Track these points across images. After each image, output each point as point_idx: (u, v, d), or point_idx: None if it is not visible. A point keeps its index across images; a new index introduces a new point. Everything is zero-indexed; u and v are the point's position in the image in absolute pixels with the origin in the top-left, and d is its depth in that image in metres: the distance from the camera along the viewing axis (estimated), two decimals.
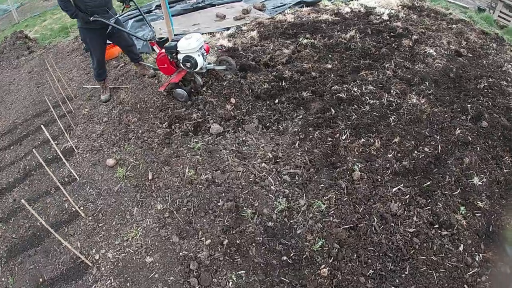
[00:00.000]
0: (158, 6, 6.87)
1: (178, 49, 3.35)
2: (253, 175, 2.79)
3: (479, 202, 2.81)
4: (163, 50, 3.45)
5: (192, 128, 3.33)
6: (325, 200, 2.55)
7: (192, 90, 3.68)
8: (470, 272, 2.40)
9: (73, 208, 2.69)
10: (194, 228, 2.45)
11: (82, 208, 2.74)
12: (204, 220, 2.50)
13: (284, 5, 6.71)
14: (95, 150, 3.39)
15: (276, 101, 3.64)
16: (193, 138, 3.23)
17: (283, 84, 3.89)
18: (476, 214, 2.73)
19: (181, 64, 3.46)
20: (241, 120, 3.39)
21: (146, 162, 3.08)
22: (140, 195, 2.77)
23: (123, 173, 3.01)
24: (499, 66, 4.86)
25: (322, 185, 2.68)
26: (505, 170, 3.15)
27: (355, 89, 3.73)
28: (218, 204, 2.59)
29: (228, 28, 5.71)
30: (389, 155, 2.97)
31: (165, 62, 3.52)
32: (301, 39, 5.07)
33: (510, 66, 4.97)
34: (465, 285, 2.36)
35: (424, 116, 3.44)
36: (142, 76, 4.34)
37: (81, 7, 3.24)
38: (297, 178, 2.73)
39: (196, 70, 3.47)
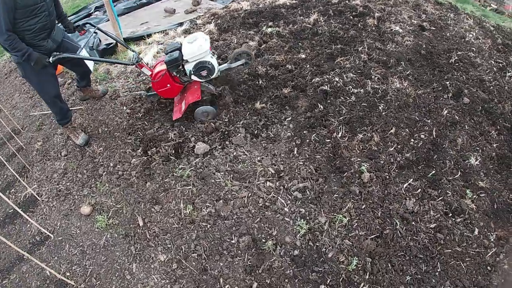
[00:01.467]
0: (98, 8, 6.45)
1: (185, 59, 2.99)
2: (261, 198, 2.82)
3: (480, 182, 3.21)
4: (161, 68, 3.04)
5: (173, 151, 3.22)
6: (344, 213, 2.70)
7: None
8: (489, 254, 2.76)
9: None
10: (212, 276, 2.40)
11: (68, 274, 2.51)
12: (221, 264, 2.47)
13: None
14: (62, 195, 3.09)
15: (258, 103, 3.69)
16: (177, 164, 3.13)
17: (260, 82, 3.94)
18: (481, 195, 3.12)
19: (193, 76, 3.10)
20: (226, 132, 3.38)
21: (129, 204, 2.91)
22: (135, 247, 2.62)
23: (104, 221, 2.80)
24: (462, 37, 5.50)
25: (336, 195, 2.82)
26: (494, 145, 3.63)
27: (337, 79, 3.93)
28: (232, 241, 2.57)
29: (181, 24, 5.59)
30: (391, 149, 3.23)
31: (168, 81, 3.09)
32: (264, 28, 5.15)
33: (471, 35, 5.66)
34: (488, 267, 2.72)
35: (411, 100, 3.78)
36: (90, 98, 4.04)
37: (21, 35, 2.71)
38: (308, 192, 2.84)
39: (214, 76, 3.18)
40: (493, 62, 5.01)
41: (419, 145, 3.29)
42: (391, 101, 3.67)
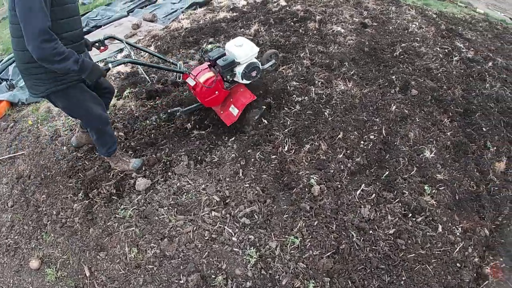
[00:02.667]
0: None
1: (238, 61, 2.98)
2: (206, 231, 2.66)
3: (438, 175, 3.18)
4: (209, 75, 2.99)
5: (114, 190, 3.05)
6: (296, 233, 2.58)
7: None
8: (457, 250, 2.70)
9: None
10: None
11: None
12: None
13: (176, 10, 6.81)
14: (12, 249, 2.89)
15: (201, 126, 3.58)
16: (119, 204, 2.95)
17: (198, 111, 3.84)
18: (440, 188, 3.09)
19: (242, 79, 3.09)
20: (168, 162, 3.24)
21: (75, 253, 2.72)
22: None
23: (54, 274, 2.61)
24: (405, 28, 5.63)
25: (286, 215, 2.71)
26: (448, 133, 3.65)
27: (280, 89, 3.89)
28: (180, 282, 2.40)
29: (121, 50, 5.49)
30: (340, 156, 3.16)
31: (217, 88, 3.04)
32: (204, 45, 5.10)
33: (414, 26, 5.81)
34: (457, 264, 2.65)
35: (357, 101, 3.77)
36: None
37: None
38: (256, 216, 2.71)
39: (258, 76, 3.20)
40: (438, 49, 5.13)
41: (369, 147, 3.25)
42: (337, 105, 3.64)
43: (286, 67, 4.32)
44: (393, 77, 4.19)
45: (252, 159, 3.18)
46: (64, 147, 3.63)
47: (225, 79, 3.11)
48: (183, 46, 5.24)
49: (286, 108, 3.66)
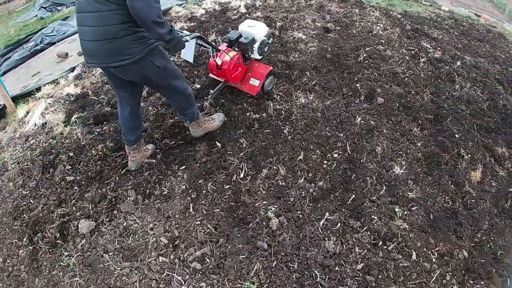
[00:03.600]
0: None
1: (256, 39, 3.31)
2: (154, 280, 2.30)
3: (409, 193, 2.91)
4: (232, 54, 3.23)
5: (58, 234, 2.66)
6: (252, 277, 2.24)
7: None
8: (433, 278, 2.42)
9: None
10: None
11: None
12: None
13: None
14: None
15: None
16: (64, 249, 2.57)
17: (148, 134, 3.47)
18: (412, 209, 2.82)
19: (257, 54, 3.42)
20: (114, 198, 2.86)
21: None
22: None
23: None
24: (369, 31, 5.41)
25: (241, 256, 2.36)
26: (419, 144, 3.39)
27: (235, 107, 3.56)
28: None
29: (73, 68, 5.08)
30: (300, 180, 2.85)
31: (240, 64, 3.35)
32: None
33: (379, 28, 5.61)
34: None
35: (319, 115, 3.48)
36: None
37: None
38: (208, 260, 2.36)
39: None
40: (404, 51, 4.93)
41: (333, 167, 2.95)
42: (297, 120, 3.34)
43: None
44: (358, 85, 3.93)
45: (204, 191, 2.83)
46: (11, 183, 3.23)
47: (246, 55, 3.40)
48: None
49: (243, 129, 3.32)
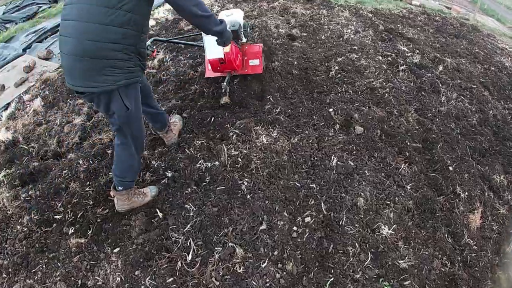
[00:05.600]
0: None
1: (240, 24, 3.04)
2: None
3: (400, 261, 2.16)
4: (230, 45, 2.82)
5: None
6: None
7: None
8: None
9: None
10: None
11: None
12: None
13: None
14: None
15: (73, 238, 2.33)
16: None
17: (69, 190, 2.57)
18: (405, 283, 2.06)
19: (244, 38, 3.16)
20: None
21: None
22: None
23: None
24: (340, 36, 4.59)
25: None
26: (408, 186, 2.63)
27: (181, 155, 2.70)
28: None
29: (7, 105, 4.06)
30: (263, 264, 2.03)
31: (238, 51, 3.16)
32: None
33: (350, 30, 4.79)
34: None
35: (285, 158, 2.65)
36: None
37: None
38: None
39: None
40: (380, 58, 4.14)
41: (305, 238, 2.17)
42: (258, 170, 2.50)
43: (188, 115, 3.12)
44: (331, 110, 3.12)
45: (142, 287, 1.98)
46: None
47: (238, 42, 3.15)
48: (71, 94, 3.88)
49: (191, 186, 2.47)
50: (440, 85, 3.98)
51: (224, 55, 2.87)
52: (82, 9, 1.68)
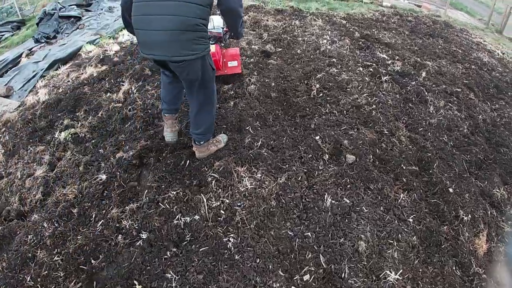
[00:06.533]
0: None
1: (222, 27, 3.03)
2: None
3: None
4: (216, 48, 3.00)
5: None
6: None
7: None
8: None
9: None
10: None
11: None
12: None
13: (37, 74, 4.84)
14: None
15: None
16: None
17: (48, 272, 2.15)
18: None
19: (225, 40, 3.15)
20: None
21: None
22: None
23: None
24: (316, 48, 4.31)
25: None
26: (410, 220, 2.35)
27: (154, 211, 2.33)
28: None
29: None
30: None
31: (221, 53, 3.22)
32: (57, 133, 3.35)
33: (326, 41, 4.52)
34: None
35: (273, 203, 2.31)
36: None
37: None
38: None
39: None
40: (361, 69, 3.88)
41: None
42: (244, 222, 2.17)
43: (154, 159, 2.75)
44: (317, 137, 2.81)
45: None
46: None
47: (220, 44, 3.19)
48: (33, 138, 3.43)
49: (170, 248, 2.10)
50: (426, 93, 3.76)
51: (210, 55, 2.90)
52: None
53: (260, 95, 3.28)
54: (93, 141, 3.16)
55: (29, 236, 2.38)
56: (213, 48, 2.92)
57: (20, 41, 6.32)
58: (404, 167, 2.72)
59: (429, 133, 3.18)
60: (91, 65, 4.48)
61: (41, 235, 2.35)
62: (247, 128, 2.89)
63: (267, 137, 2.82)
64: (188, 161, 2.64)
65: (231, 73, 3.39)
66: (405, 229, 2.29)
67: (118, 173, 2.66)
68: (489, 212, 2.70)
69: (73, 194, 2.65)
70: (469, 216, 2.55)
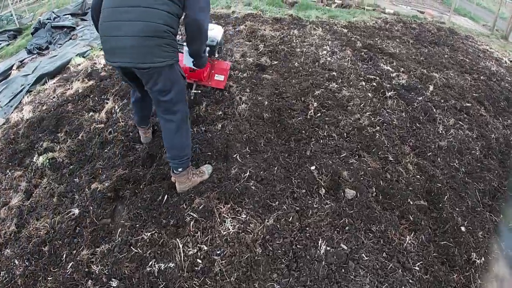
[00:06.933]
0: None
1: (218, 40, 2.98)
2: None
3: None
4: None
5: None
6: None
7: None
8: None
9: None
10: None
11: None
12: None
13: (24, 88, 4.48)
14: None
15: None
16: None
17: None
18: None
19: (216, 53, 3.05)
20: None
21: None
22: None
23: None
24: (315, 60, 3.94)
25: None
26: (416, 267, 1.98)
27: (125, 256, 1.98)
28: None
29: None
30: None
31: (208, 64, 3.05)
32: (36, 156, 3.01)
33: (325, 52, 4.15)
34: None
35: (259, 251, 1.95)
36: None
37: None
38: None
39: None
40: (364, 84, 3.50)
41: None
42: (223, 274, 1.80)
43: (143, 187, 2.40)
44: (313, 167, 2.45)
45: None
46: None
47: (212, 56, 3.03)
48: (12, 161, 3.10)
49: None
50: (434, 110, 3.37)
51: None
52: None
53: (251, 115, 2.92)
54: (71, 167, 2.82)
55: (1, 272, 2.07)
56: None
57: (14, 52, 6.02)
58: (411, 202, 2.34)
59: (438, 159, 2.79)
60: (78, 80, 4.14)
61: (12, 274, 2.05)
62: (235, 156, 2.52)
63: (256, 167, 2.45)
64: (166, 196, 2.30)
65: (214, 86, 3.20)
66: (410, 280, 1.92)
67: (92, 208, 2.33)
68: (504, 253, 2.32)
69: (45, 229, 2.34)
70: (482, 259, 2.17)
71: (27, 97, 4.25)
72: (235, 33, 4.64)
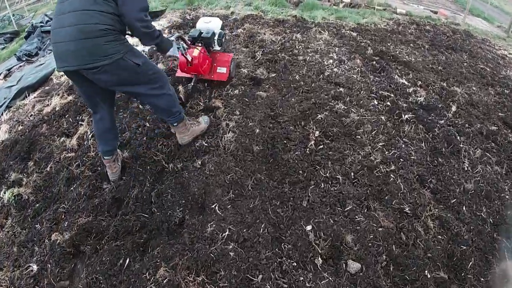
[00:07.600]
0: None
1: (215, 32, 2.97)
2: None
3: None
4: (198, 50, 2.76)
5: None
6: None
7: None
8: None
9: None
10: None
11: None
12: None
13: (5, 103, 3.89)
14: None
15: None
16: None
17: None
18: None
19: (217, 46, 3.02)
20: None
21: None
22: None
23: None
24: (320, 72, 3.30)
25: None
26: None
27: None
28: None
29: None
30: None
31: (207, 57, 2.91)
32: (2, 191, 2.47)
33: (331, 61, 3.50)
34: None
35: None
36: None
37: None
38: None
39: None
40: (376, 102, 2.95)
41: None
42: None
43: (91, 247, 1.85)
44: (309, 227, 1.87)
45: None
46: None
47: (210, 48, 2.99)
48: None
49: None
50: (458, 137, 2.75)
51: (192, 58, 2.73)
52: (74, 2, 1.73)
53: (238, 148, 2.32)
54: (36, 205, 2.29)
55: None
56: (196, 52, 2.73)
57: (6, 57, 5.41)
58: (429, 275, 1.75)
59: (464, 208, 2.18)
60: (58, 94, 3.56)
61: None
62: (213, 206, 1.95)
63: (239, 222, 1.88)
64: (128, 260, 1.74)
65: (217, 79, 3.02)
66: None
67: (50, 265, 1.85)
68: None
69: (5, 285, 1.86)
70: None
71: (6, 114, 3.66)
72: (232, 37, 3.98)
